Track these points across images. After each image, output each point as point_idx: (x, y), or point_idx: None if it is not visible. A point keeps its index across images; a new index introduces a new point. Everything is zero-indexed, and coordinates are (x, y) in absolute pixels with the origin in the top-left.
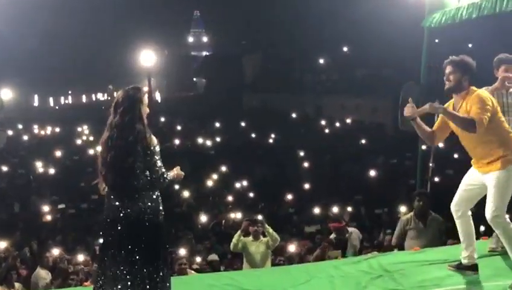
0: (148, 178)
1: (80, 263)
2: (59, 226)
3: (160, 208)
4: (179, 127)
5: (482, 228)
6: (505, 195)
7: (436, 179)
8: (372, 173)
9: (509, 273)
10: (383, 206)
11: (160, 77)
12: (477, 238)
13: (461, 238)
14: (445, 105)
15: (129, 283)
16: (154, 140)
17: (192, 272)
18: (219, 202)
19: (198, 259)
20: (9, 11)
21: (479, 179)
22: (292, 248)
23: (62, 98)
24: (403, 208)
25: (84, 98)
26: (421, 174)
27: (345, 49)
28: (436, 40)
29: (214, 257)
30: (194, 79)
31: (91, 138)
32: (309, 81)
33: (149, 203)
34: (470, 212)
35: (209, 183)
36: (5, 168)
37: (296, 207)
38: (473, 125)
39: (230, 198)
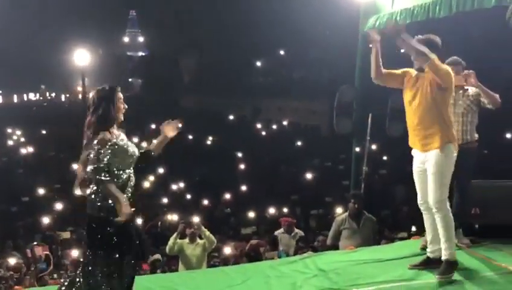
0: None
1: (10, 267)
2: None
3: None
4: None
5: (414, 228)
6: (444, 179)
7: (370, 180)
8: (308, 175)
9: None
10: (318, 207)
11: (95, 76)
12: (408, 237)
13: (427, 232)
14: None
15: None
16: (112, 138)
17: None
18: (155, 203)
19: None
20: None
21: (421, 160)
22: (228, 250)
23: None
24: (339, 209)
25: (15, 98)
26: (355, 175)
27: (282, 52)
28: (370, 45)
29: (157, 256)
30: (130, 79)
31: (22, 139)
32: (246, 83)
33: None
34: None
35: (146, 184)
36: None
37: (233, 209)
38: (426, 58)
39: (166, 200)
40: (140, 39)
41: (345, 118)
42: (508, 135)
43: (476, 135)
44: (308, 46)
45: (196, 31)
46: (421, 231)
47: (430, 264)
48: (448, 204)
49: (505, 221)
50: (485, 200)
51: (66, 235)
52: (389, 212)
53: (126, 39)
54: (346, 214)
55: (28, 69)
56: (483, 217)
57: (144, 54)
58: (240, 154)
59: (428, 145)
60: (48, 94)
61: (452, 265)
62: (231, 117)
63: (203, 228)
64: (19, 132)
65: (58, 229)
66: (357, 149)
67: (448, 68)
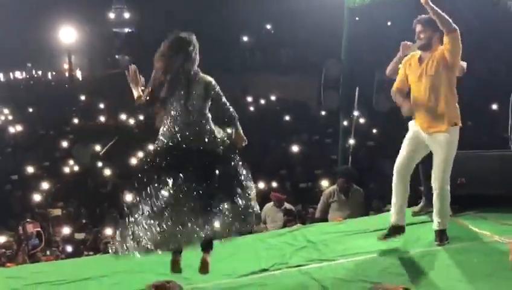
0: None
1: (1, 244)
2: None
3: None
4: (101, 105)
5: None
6: (450, 162)
7: (357, 153)
8: (296, 148)
9: (427, 241)
10: (306, 181)
11: (82, 54)
12: None
13: (396, 201)
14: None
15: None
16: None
17: None
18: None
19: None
20: None
21: (422, 139)
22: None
23: None
24: (324, 182)
25: (1, 77)
26: (343, 149)
27: (269, 27)
28: (357, 18)
29: None
30: (117, 56)
31: (10, 117)
32: (234, 59)
33: None
34: (409, 177)
35: (133, 161)
36: None
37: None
38: (451, 25)
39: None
40: (126, 15)
41: (332, 92)
42: (494, 106)
43: None
44: (295, 21)
45: (183, 7)
46: (408, 202)
47: (391, 234)
48: (449, 185)
49: (490, 191)
50: (470, 170)
51: (57, 212)
52: (377, 184)
53: (112, 15)
54: (334, 187)
55: (14, 47)
56: (468, 186)
57: (130, 30)
58: (228, 130)
59: (435, 128)
60: (34, 72)
61: (446, 232)
62: None
63: None
64: (6, 111)
65: (48, 207)
66: (345, 123)
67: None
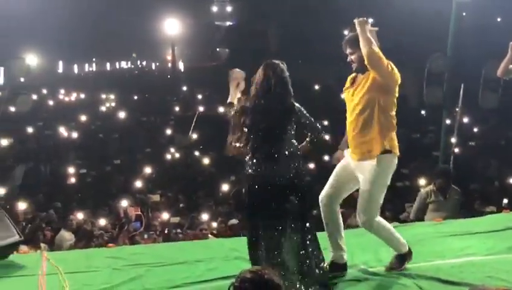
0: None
1: (102, 227)
2: (83, 189)
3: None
4: (200, 96)
5: (505, 201)
6: (376, 195)
7: (459, 152)
8: None
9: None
10: (404, 179)
11: (183, 46)
12: (499, 211)
13: (328, 235)
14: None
15: (284, 246)
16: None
17: (213, 237)
18: (240, 170)
19: (214, 224)
20: None
21: (352, 169)
22: None
23: (86, 66)
24: (422, 181)
25: (108, 66)
26: (445, 147)
27: (370, 20)
28: (464, 13)
29: (234, 221)
30: (218, 49)
31: (113, 104)
32: (331, 53)
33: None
34: (336, 208)
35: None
36: (30, 130)
37: (317, 178)
38: (366, 49)
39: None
40: (228, 8)
41: (435, 88)
42: None
43: None
44: (401, 16)
45: (284, 1)
46: None
47: (334, 270)
48: (377, 219)
49: None
50: None
51: (156, 198)
52: (479, 186)
53: (214, 8)
54: (431, 187)
55: (121, 38)
56: None
57: (231, 23)
58: (325, 123)
59: (363, 155)
60: (139, 62)
61: (404, 257)
62: (316, 87)
63: None
64: (112, 98)
65: (148, 193)
66: (448, 122)
67: (391, 64)
